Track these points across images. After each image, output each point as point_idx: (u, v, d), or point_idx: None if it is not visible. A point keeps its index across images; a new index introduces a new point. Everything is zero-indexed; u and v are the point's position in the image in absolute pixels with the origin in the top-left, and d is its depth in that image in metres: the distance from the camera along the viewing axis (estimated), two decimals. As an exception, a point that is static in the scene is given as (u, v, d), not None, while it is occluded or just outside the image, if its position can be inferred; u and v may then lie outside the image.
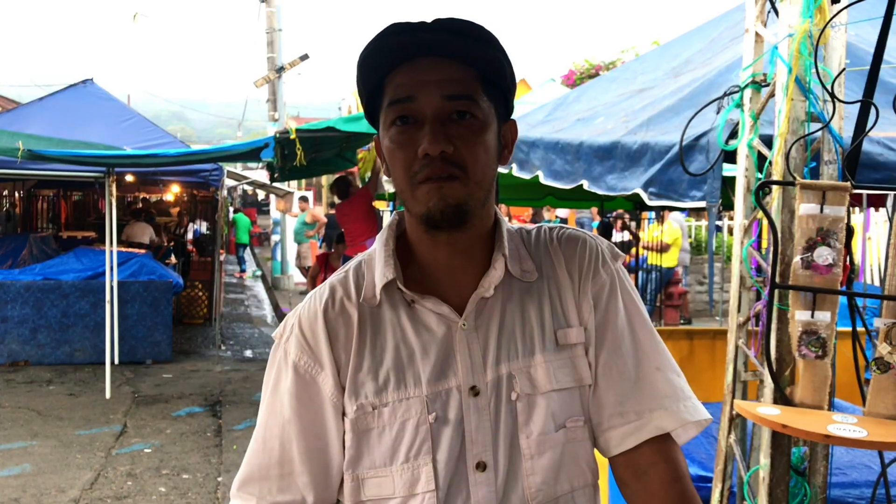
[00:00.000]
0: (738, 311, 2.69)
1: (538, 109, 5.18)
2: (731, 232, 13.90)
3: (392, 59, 1.13)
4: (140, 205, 16.03)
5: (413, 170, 1.12)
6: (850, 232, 2.25)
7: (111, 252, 7.78)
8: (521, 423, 1.18)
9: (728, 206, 4.77)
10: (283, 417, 1.22)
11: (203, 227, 15.79)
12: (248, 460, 1.25)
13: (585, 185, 3.47)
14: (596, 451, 1.26)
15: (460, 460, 1.16)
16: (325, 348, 1.20)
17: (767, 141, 2.55)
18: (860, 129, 2.33)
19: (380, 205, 9.31)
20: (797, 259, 2.21)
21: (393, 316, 1.21)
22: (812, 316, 2.20)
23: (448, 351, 1.18)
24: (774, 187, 2.44)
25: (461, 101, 1.12)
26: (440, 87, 1.12)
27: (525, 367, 1.19)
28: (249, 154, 7.37)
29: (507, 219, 1.29)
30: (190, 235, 15.52)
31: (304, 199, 15.94)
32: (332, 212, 13.26)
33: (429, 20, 1.13)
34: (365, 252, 1.30)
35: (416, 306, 1.20)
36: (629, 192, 3.12)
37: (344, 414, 1.20)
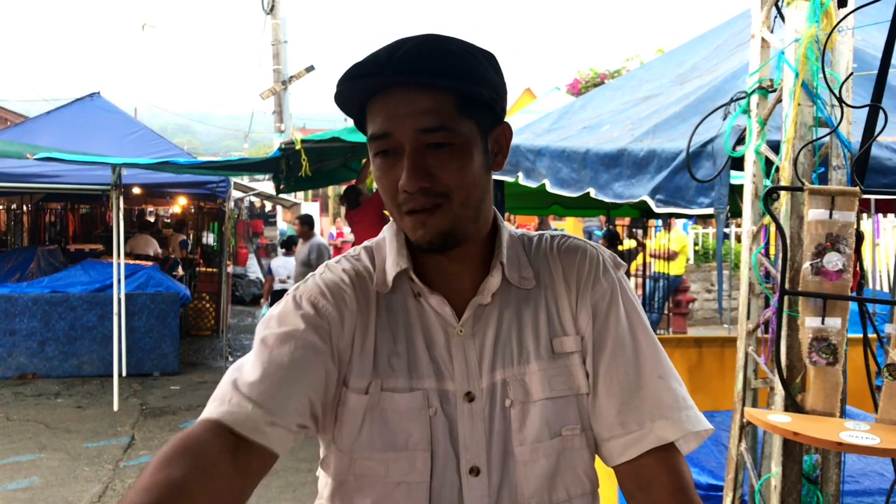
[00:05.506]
0: (748, 318, 2.68)
1: (544, 118, 5.17)
2: (738, 239, 13.88)
3: (365, 93, 1.13)
4: (152, 217, 16.08)
5: (397, 201, 1.14)
6: (860, 237, 2.24)
7: (118, 264, 7.80)
8: (515, 429, 1.18)
9: (735, 212, 4.75)
10: (290, 344, 1.13)
11: (210, 238, 15.83)
12: (243, 376, 1.11)
13: (592, 192, 3.46)
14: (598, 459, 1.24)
15: (454, 463, 1.16)
16: (350, 303, 1.18)
17: (775, 147, 2.54)
18: (868, 133, 2.32)
19: (387, 213, 9.32)
20: (806, 265, 2.20)
21: (403, 306, 1.21)
22: (822, 322, 2.18)
23: (446, 354, 1.19)
24: (783, 193, 2.43)
25: (436, 133, 1.10)
26: (413, 120, 1.10)
27: (519, 374, 1.19)
28: (265, 165, 7.40)
29: (513, 226, 1.28)
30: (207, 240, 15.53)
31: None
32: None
33: (398, 51, 1.10)
34: (371, 240, 1.30)
35: (422, 300, 1.21)
36: (636, 200, 3.11)
37: (347, 384, 1.17)
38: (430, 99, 1.10)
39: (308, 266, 8.45)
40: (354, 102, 1.16)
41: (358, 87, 1.12)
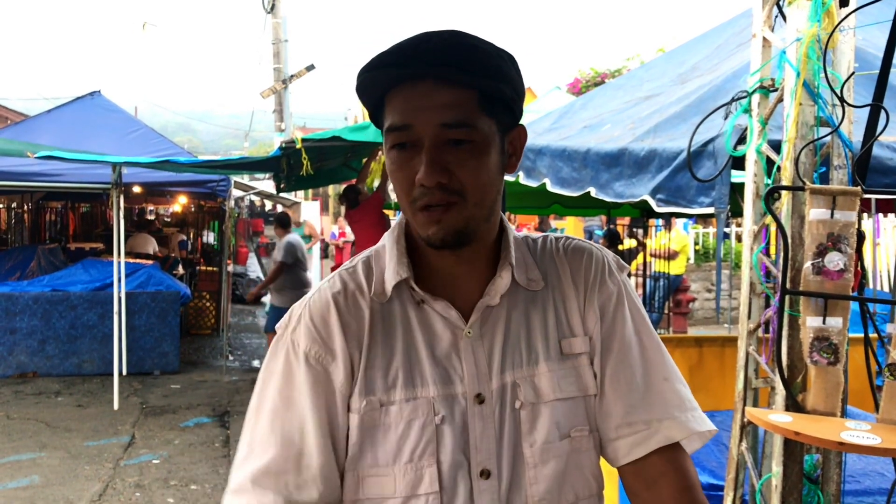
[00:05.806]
0: (749, 317, 2.67)
1: (544, 117, 5.17)
2: (739, 239, 13.87)
3: (389, 83, 1.12)
4: (153, 216, 16.07)
5: (412, 195, 1.12)
6: (861, 237, 2.24)
7: (119, 263, 7.80)
8: (525, 431, 1.17)
9: (736, 212, 4.75)
10: (300, 409, 1.17)
11: (210, 237, 15.83)
12: (258, 452, 1.17)
13: (593, 192, 3.45)
14: (603, 460, 1.24)
15: (465, 467, 1.15)
16: (338, 338, 1.18)
17: (776, 146, 2.54)
18: (870, 133, 2.32)
19: (387, 213, 9.32)
20: (808, 265, 2.19)
21: (403, 314, 1.20)
22: (823, 322, 2.18)
23: (454, 357, 1.18)
24: (784, 193, 2.43)
25: (458, 129, 1.09)
26: (436, 113, 1.09)
27: (529, 375, 1.19)
28: (266, 164, 7.39)
29: (513, 227, 1.28)
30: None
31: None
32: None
33: (426, 43, 1.10)
34: (372, 248, 1.29)
35: (425, 307, 1.20)
36: (637, 199, 3.11)
37: (349, 409, 1.18)
38: (454, 94, 1.09)
39: (275, 263, 8.52)
40: (374, 93, 1.14)
41: (381, 77, 1.11)
